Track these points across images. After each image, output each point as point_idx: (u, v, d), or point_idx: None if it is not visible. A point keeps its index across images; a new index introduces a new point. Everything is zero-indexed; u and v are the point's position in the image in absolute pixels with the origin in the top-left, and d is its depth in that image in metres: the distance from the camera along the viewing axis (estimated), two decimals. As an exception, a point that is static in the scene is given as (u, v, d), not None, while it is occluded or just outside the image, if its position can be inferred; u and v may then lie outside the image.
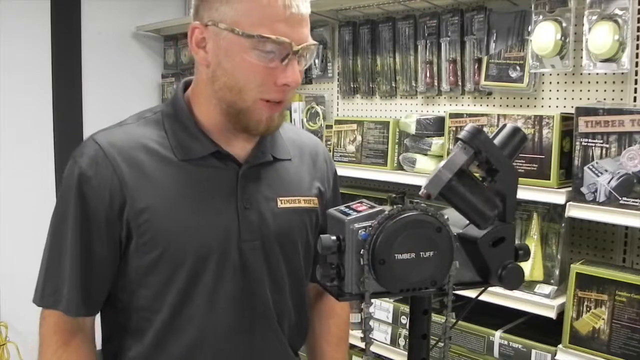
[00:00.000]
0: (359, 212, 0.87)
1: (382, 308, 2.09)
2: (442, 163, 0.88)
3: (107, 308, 1.16)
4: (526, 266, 1.72)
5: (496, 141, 0.91)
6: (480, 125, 1.79)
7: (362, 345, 0.90)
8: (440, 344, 0.95)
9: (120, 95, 3.10)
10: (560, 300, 1.69)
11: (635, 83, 1.75)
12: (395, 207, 0.85)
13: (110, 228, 1.08)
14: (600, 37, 1.65)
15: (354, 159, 2.23)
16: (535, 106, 1.98)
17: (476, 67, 2.07)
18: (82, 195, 1.08)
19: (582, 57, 1.73)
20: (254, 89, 1.05)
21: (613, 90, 1.80)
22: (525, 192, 1.66)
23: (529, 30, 1.86)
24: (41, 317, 1.13)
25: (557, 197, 1.64)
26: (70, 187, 1.09)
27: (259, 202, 1.14)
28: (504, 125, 0.94)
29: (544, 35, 1.78)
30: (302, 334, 1.28)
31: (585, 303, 1.61)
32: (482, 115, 1.82)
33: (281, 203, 1.17)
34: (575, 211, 1.60)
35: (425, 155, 2.03)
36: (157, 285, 1.10)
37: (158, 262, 1.09)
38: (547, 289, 1.73)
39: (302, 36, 1.05)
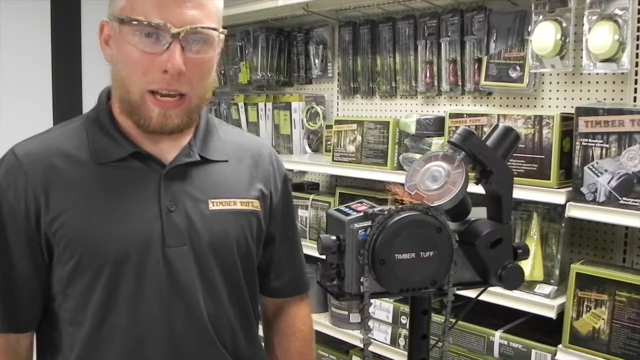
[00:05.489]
0: (359, 212, 0.87)
1: (382, 308, 2.09)
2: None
3: (40, 325, 1.11)
4: (526, 266, 1.72)
5: (489, 142, 0.91)
6: (480, 125, 1.79)
7: (362, 345, 0.90)
8: (440, 344, 0.95)
9: (120, 95, 3.10)
10: (560, 300, 1.69)
11: (635, 83, 1.75)
12: (395, 206, 0.85)
13: (31, 239, 1.04)
14: (600, 37, 1.65)
15: (354, 159, 2.23)
16: (535, 106, 1.98)
17: (476, 67, 2.07)
18: None
19: (582, 57, 1.73)
20: (138, 80, 1.00)
21: (613, 90, 1.80)
22: (525, 192, 1.66)
23: (529, 30, 1.86)
24: None
25: (557, 197, 1.63)
26: None
27: (186, 204, 1.07)
28: (496, 126, 0.93)
29: (544, 35, 1.78)
30: (254, 346, 1.19)
31: (585, 303, 1.61)
32: (482, 115, 1.82)
33: (213, 205, 1.09)
34: (575, 211, 1.60)
35: (425, 155, 2.03)
36: (78, 296, 1.04)
37: (76, 270, 1.03)
38: (547, 289, 1.73)
39: (184, 18, 0.98)
